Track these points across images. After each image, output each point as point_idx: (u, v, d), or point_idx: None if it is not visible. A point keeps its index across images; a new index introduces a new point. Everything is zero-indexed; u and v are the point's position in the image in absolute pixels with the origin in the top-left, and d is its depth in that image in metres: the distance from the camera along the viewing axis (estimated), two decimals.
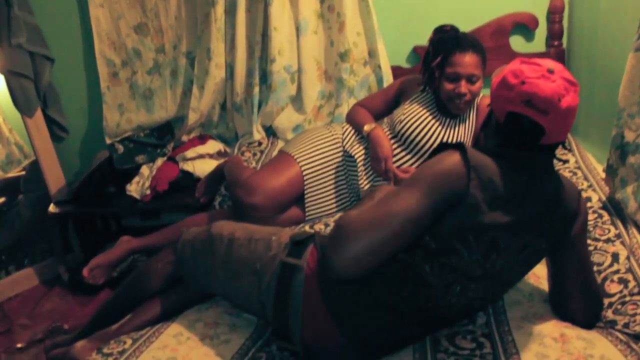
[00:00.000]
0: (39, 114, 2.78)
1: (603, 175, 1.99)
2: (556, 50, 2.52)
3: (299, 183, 2.11)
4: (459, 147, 1.30)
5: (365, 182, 2.12)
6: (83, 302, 2.59)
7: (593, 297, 1.43)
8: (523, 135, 1.27)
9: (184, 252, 1.65)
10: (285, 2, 2.52)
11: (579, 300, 1.42)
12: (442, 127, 2.06)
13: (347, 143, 2.17)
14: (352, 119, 2.22)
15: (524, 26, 2.54)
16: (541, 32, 2.57)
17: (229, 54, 2.67)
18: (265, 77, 2.65)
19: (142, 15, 2.72)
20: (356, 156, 2.13)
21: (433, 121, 2.06)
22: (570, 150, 2.19)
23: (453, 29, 2.04)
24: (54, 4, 2.82)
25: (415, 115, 2.06)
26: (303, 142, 2.20)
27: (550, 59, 2.44)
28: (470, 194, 1.23)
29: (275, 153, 2.57)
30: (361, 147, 2.14)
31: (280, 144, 2.66)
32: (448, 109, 2.05)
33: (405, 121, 2.07)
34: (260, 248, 1.48)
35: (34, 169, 2.89)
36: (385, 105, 2.24)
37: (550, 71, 1.24)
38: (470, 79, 1.97)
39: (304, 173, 2.11)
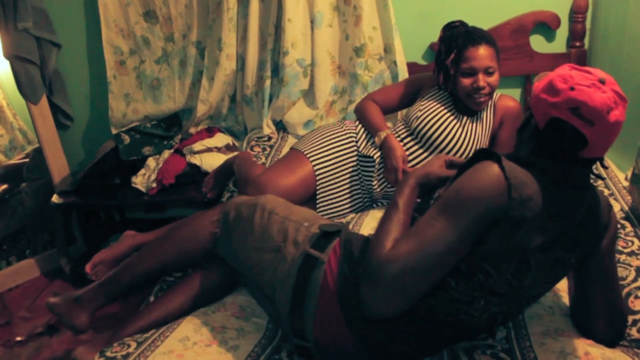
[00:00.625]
0: (44, 100, 2.71)
1: (626, 183, 1.93)
2: (577, 51, 2.44)
3: (311, 182, 2.05)
4: (495, 157, 1.21)
5: (378, 185, 2.06)
6: None
7: (617, 314, 1.37)
8: (563, 144, 1.19)
9: (229, 213, 1.64)
10: None
11: (603, 316, 1.36)
12: (460, 126, 2.00)
13: (362, 143, 2.11)
14: (363, 117, 2.16)
15: (545, 25, 2.46)
16: (561, 32, 2.50)
17: (240, 44, 2.60)
18: (277, 70, 2.58)
19: (151, 1, 2.64)
20: (375, 157, 2.07)
21: (451, 118, 2.00)
22: None
23: (462, 25, 1.99)
24: None
25: (432, 112, 2.01)
26: (316, 139, 2.13)
27: (572, 62, 2.41)
28: (510, 214, 1.15)
29: (285, 148, 2.51)
30: (377, 149, 2.08)
31: (290, 140, 2.60)
32: (467, 105, 1.99)
33: (422, 118, 2.01)
34: (291, 229, 1.47)
35: (38, 156, 2.84)
36: (399, 102, 2.19)
37: (602, 81, 1.16)
38: (487, 71, 1.92)
39: (317, 172, 2.05)
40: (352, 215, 2.09)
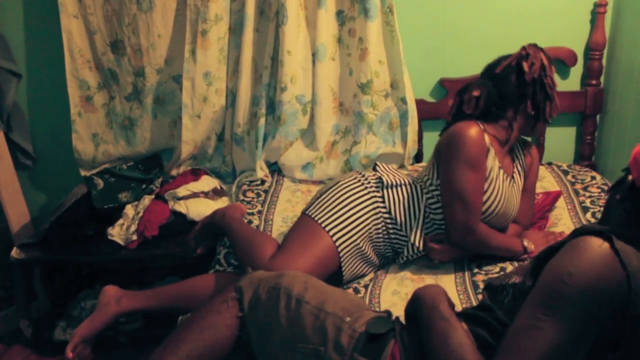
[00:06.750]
0: (0, 137, 2.37)
1: None
2: (594, 89, 2.32)
3: (331, 259, 1.71)
4: (604, 235, 0.99)
5: (410, 250, 1.80)
6: None
7: None
8: None
9: (245, 293, 1.33)
10: (301, 23, 2.21)
11: None
12: (515, 190, 1.81)
13: (395, 209, 1.79)
14: (490, 246, 1.76)
15: (561, 62, 2.32)
16: (575, 69, 2.37)
17: (231, 78, 2.34)
18: (272, 107, 2.33)
19: (119, 30, 2.31)
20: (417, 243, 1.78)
21: (512, 191, 1.79)
22: None
23: None
24: (23, 11, 2.40)
25: (500, 196, 1.74)
26: (331, 203, 1.77)
27: (589, 101, 2.27)
28: (632, 311, 0.94)
29: (282, 194, 2.27)
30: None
31: (286, 183, 2.35)
32: (514, 139, 1.79)
33: (492, 206, 1.74)
34: (330, 328, 1.20)
35: None
36: None
37: None
38: None
39: (339, 247, 1.72)
40: (371, 274, 1.84)
